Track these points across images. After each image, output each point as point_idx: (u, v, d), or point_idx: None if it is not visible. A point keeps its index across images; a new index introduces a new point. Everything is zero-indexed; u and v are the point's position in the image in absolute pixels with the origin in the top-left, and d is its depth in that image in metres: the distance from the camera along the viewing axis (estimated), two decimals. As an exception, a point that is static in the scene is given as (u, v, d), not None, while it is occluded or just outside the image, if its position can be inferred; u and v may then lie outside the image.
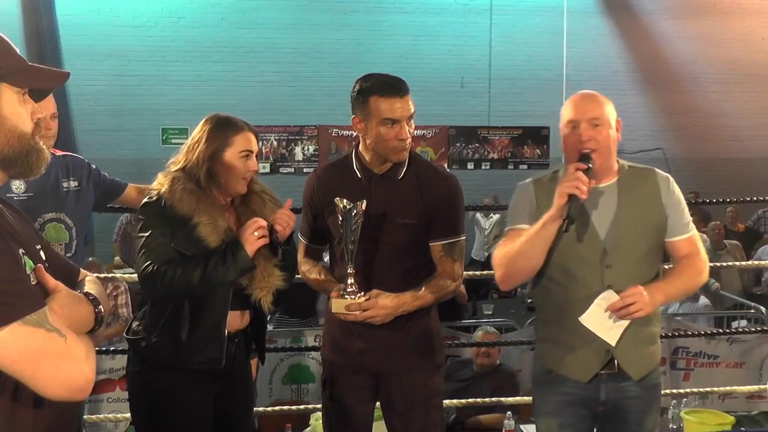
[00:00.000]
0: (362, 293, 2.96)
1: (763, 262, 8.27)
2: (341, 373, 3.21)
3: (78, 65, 11.32)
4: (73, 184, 3.57)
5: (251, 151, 2.99)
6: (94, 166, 3.71)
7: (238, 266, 2.85)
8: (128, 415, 4.82)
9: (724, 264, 8.51)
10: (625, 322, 2.84)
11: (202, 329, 2.91)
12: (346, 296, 2.96)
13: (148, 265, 2.83)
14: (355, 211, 2.89)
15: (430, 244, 3.10)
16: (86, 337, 1.75)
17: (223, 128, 2.99)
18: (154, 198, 2.94)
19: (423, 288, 3.05)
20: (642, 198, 2.90)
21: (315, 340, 6.54)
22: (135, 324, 3.02)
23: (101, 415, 4.90)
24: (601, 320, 2.85)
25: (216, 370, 2.95)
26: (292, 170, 13.40)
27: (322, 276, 3.20)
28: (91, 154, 3.55)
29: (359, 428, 3.25)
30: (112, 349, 5.02)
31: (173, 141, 12.92)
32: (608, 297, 2.83)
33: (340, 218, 2.92)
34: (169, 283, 2.80)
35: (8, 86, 1.71)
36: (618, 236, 2.84)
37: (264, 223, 2.92)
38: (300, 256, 3.28)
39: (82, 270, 2.06)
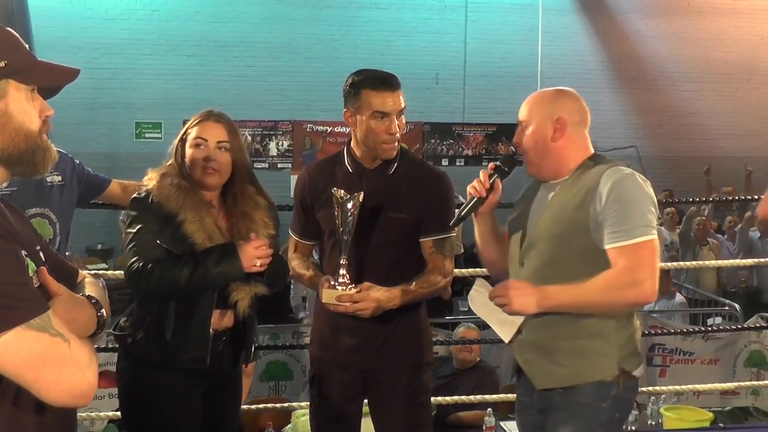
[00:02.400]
0: (353, 285, 2.96)
1: (738, 261, 8.33)
2: (330, 370, 3.20)
3: (50, 57, 10.96)
4: (57, 178, 3.50)
5: (202, 138, 2.93)
6: (77, 161, 3.65)
7: (228, 275, 2.83)
8: (104, 413, 4.83)
9: (694, 263, 8.56)
10: (519, 320, 2.74)
11: (187, 328, 2.89)
12: (337, 287, 2.96)
13: (134, 262, 2.80)
14: (351, 203, 2.89)
15: (421, 240, 3.11)
16: (88, 342, 1.70)
17: (190, 121, 3.01)
18: (143, 194, 2.92)
19: (413, 283, 3.05)
20: (573, 199, 2.66)
21: (293, 337, 6.53)
22: (122, 320, 3.00)
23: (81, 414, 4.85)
24: (487, 310, 2.79)
25: (201, 369, 2.92)
26: (266, 165, 13.33)
27: (311, 272, 3.19)
28: (63, 147, 3.46)
29: (347, 425, 3.24)
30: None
31: (147, 135, 12.83)
32: (482, 285, 2.82)
33: (336, 209, 2.91)
34: (155, 282, 2.77)
35: (15, 83, 1.68)
36: (533, 236, 2.76)
37: (270, 252, 2.89)
38: (290, 252, 3.28)
39: (80, 271, 2.02)
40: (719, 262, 9.26)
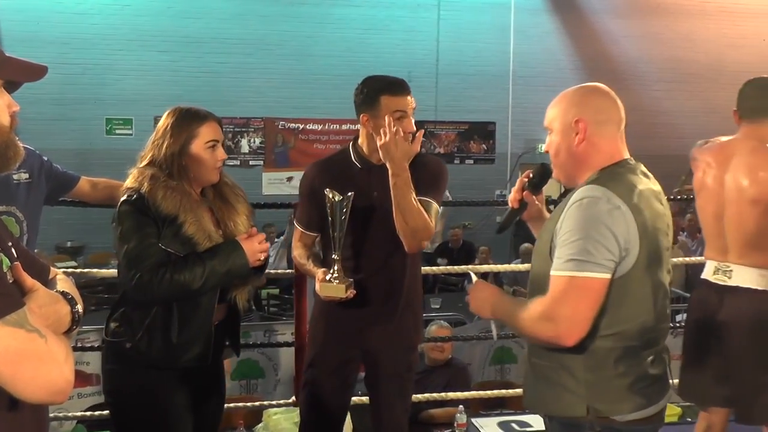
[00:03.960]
0: (346, 279, 3.14)
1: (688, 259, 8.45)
2: (330, 350, 3.38)
3: (19, 52, 10.88)
4: (24, 176, 3.45)
5: (217, 141, 2.96)
6: (45, 158, 3.61)
7: (236, 272, 2.89)
8: (73, 413, 4.79)
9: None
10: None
11: (192, 328, 2.90)
12: (333, 282, 3.13)
13: (142, 273, 2.77)
14: (345, 203, 3.07)
15: None
16: (64, 338, 1.68)
17: (187, 120, 2.94)
18: (135, 196, 2.85)
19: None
20: (555, 214, 2.46)
21: (265, 335, 6.51)
22: (113, 325, 2.94)
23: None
24: None
25: (203, 366, 2.95)
26: (238, 163, 13.28)
27: (311, 263, 3.36)
28: (32, 143, 3.43)
29: (341, 402, 3.47)
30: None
31: (117, 132, 12.75)
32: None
33: (329, 209, 3.09)
34: (167, 288, 2.77)
35: None
36: (528, 255, 2.77)
37: (267, 246, 3.01)
38: (295, 241, 3.48)
39: (52, 267, 1.98)
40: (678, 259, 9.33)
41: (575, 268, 2.24)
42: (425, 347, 5.95)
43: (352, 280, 3.16)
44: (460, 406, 4.74)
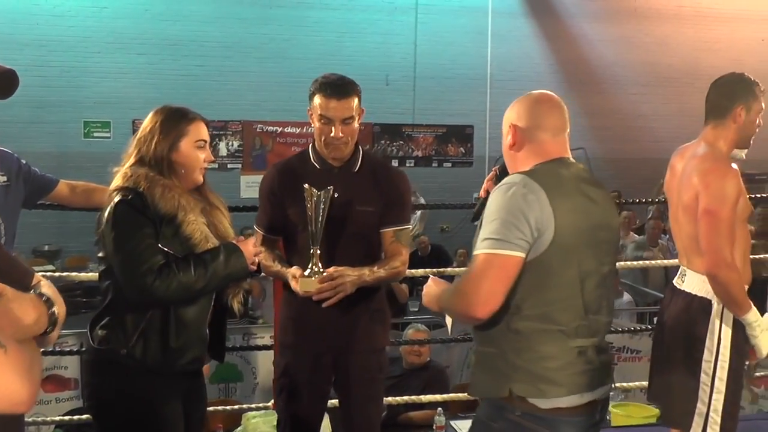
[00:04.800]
0: (324, 272, 3.17)
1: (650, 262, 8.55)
2: (302, 355, 3.39)
3: (-5, 54, 11.03)
4: (2, 179, 3.44)
5: (206, 141, 2.96)
6: (23, 161, 3.60)
7: (235, 275, 2.90)
8: (51, 418, 4.77)
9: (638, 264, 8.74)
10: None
11: (189, 331, 2.88)
12: (313, 276, 3.15)
13: (146, 275, 2.72)
14: (324, 197, 3.10)
15: (383, 230, 3.38)
16: (32, 345, 1.64)
17: (176, 118, 2.92)
18: (131, 196, 2.79)
19: (376, 266, 3.32)
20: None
21: (243, 339, 6.50)
22: (101, 332, 2.86)
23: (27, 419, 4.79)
24: None
25: (198, 369, 2.97)
26: (216, 166, 13.21)
27: (278, 264, 3.37)
28: (9, 146, 3.43)
29: (318, 409, 3.49)
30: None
31: (95, 134, 12.67)
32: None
33: (309, 204, 3.11)
34: (173, 292, 2.74)
35: None
36: None
37: (262, 249, 3.08)
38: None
39: (36, 274, 1.93)
40: (655, 262, 9.40)
41: (489, 246, 2.40)
42: (403, 351, 5.97)
43: (331, 274, 3.17)
44: (439, 409, 4.78)
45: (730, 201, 3.22)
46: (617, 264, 2.89)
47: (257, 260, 3.00)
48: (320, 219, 3.12)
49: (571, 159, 2.64)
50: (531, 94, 2.68)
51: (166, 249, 2.78)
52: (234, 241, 2.94)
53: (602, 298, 2.57)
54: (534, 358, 2.46)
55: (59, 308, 1.78)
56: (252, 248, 2.95)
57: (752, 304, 3.26)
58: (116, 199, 2.81)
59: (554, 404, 2.45)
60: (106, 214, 2.82)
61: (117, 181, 2.86)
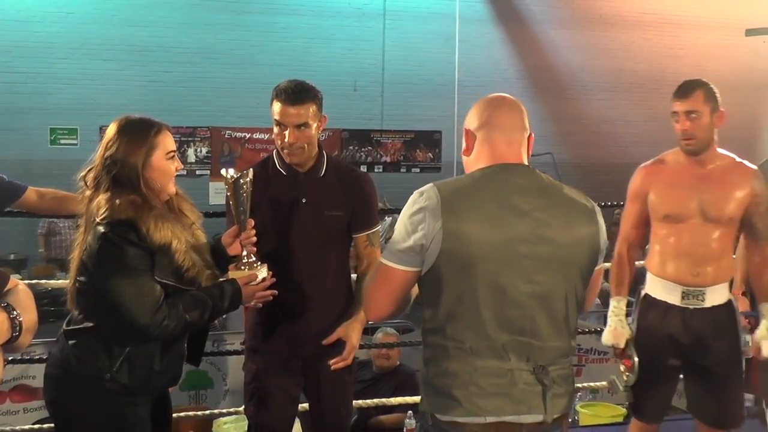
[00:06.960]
0: (258, 263, 3.05)
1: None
2: (271, 361, 3.40)
3: (-41, 60, 10.94)
4: None
5: (174, 151, 2.88)
6: (-8, 169, 3.57)
7: (229, 311, 2.95)
8: (20, 427, 4.72)
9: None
10: None
11: (171, 353, 2.88)
12: (243, 268, 3.02)
13: (155, 314, 2.68)
14: (242, 180, 3.01)
15: (355, 235, 3.42)
16: None
17: (143, 131, 2.80)
18: (123, 228, 2.68)
19: (358, 309, 3.33)
20: None
21: (213, 345, 6.48)
22: (76, 351, 2.79)
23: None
24: None
25: (174, 385, 2.98)
26: (185, 172, 13.17)
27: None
28: (-24, 153, 3.44)
29: (289, 413, 3.49)
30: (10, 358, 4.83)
31: (62, 141, 12.55)
32: None
33: (228, 189, 3.02)
34: (180, 330, 2.78)
35: None
36: None
37: (263, 286, 3.01)
38: None
39: (12, 278, 1.91)
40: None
41: (383, 255, 2.45)
42: (372, 355, 5.98)
43: (263, 266, 3.05)
44: (409, 412, 4.80)
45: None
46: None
47: (253, 303, 3.01)
48: (243, 205, 3.00)
49: (524, 165, 2.50)
50: (485, 96, 2.62)
51: (162, 281, 2.74)
52: (239, 282, 2.92)
53: (536, 318, 2.35)
54: (438, 373, 2.38)
55: (28, 315, 1.75)
56: (253, 289, 2.95)
57: (622, 293, 3.70)
58: (102, 231, 2.69)
59: (453, 419, 2.35)
60: (99, 247, 2.70)
61: (103, 213, 2.70)
